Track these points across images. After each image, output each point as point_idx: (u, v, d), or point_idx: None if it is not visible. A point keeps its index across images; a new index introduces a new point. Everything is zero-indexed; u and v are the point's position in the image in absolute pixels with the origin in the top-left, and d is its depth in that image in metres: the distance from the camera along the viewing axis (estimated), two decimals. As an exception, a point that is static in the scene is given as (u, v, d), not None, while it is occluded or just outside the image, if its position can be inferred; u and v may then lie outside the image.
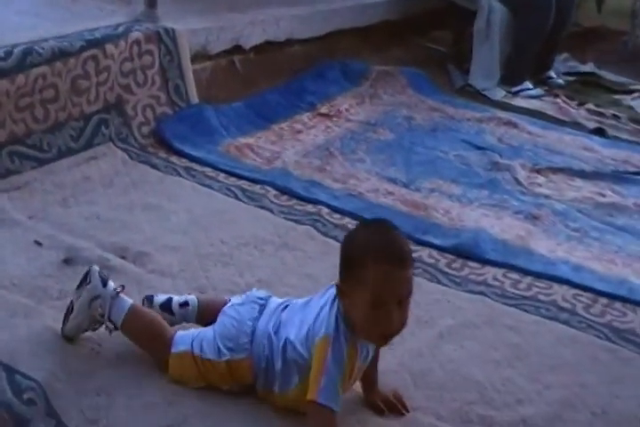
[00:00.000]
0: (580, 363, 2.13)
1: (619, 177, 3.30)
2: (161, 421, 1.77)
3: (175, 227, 2.56)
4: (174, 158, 3.02)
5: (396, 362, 2.02)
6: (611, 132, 3.81)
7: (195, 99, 3.33)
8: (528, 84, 4.21)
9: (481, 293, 2.39)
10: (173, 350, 1.86)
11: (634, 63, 4.68)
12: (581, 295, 2.43)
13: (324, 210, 2.76)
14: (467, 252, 2.59)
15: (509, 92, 4.16)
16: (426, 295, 2.34)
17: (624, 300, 2.41)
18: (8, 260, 2.27)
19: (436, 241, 2.64)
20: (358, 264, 1.64)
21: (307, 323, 1.73)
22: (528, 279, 2.49)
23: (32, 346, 1.90)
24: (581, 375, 2.08)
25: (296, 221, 2.67)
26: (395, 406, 1.88)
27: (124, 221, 2.55)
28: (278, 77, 3.79)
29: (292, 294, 2.01)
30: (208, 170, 2.96)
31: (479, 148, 3.45)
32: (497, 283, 2.46)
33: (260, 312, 1.85)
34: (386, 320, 1.64)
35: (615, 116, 3.98)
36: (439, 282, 2.43)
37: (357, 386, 1.89)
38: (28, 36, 2.92)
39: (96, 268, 1.97)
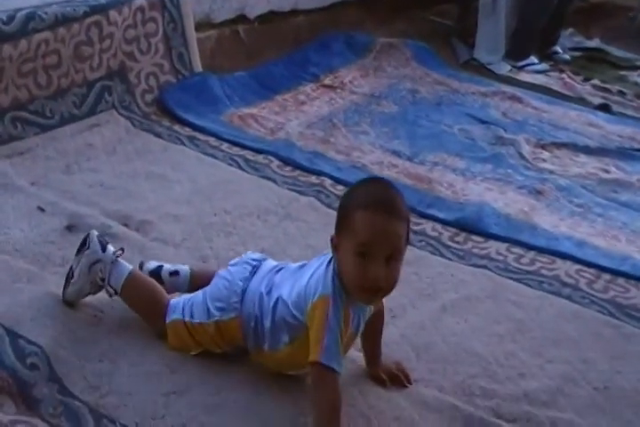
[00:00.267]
0: (583, 338, 2.13)
1: (623, 153, 3.29)
2: (163, 388, 1.77)
3: (178, 196, 2.55)
4: (178, 127, 3.00)
5: (398, 334, 2.02)
6: (616, 108, 3.78)
7: (198, 67, 3.31)
8: (533, 59, 4.18)
9: (484, 266, 2.39)
10: (167, 319, 1.86)
11: (640, 39, 4.65)
12: (585, 271, 2.42)
13: (328, 181, 2.75)
14: (470, 226, 2.58)
15: (514, 67, 4.13)
16: (429, 268, 2.34)
17: (627, 276, 2.41)
18: (11, 225, 2.26)
19: (440, 215, 2.63)
20: (348, 212, 1.63)
21: (300, 283, 1.71)
22: (531, 254, 2.48)
23: (35, 312, 1.89)
24: (584, 350, 2.08)
25: (299, 192, 2.66)
26: (397, 378, 1.88)
27: (128, 189, 2.54)
28: (282, 48, 3.76)
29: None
30: (212, 139, 2.94)
31: (483, 122, 3.43)
32: (500, 257, 2.45)
33: (253, 273, 1.84)
34: (371, 272, 1.60)
35: (621, 93, 3.95)
36: (442, 255, 2.43)
37: (360, 358, 1.90)
38: (31, 1, 2.87)
39: (95, 232, 1.96)
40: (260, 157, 2.86)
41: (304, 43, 3.87)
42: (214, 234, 2.37)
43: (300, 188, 2.70)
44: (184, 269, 2.02)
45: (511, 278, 2.34)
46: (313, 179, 2.77)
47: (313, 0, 4.00)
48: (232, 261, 1.91)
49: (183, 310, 1.85)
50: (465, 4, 4.50)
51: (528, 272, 2.39)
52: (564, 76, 4.10)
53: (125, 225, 2.34)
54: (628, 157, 3.25)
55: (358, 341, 1.84)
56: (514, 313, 2.19)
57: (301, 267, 1.80)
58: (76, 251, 1.95)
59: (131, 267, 1.93)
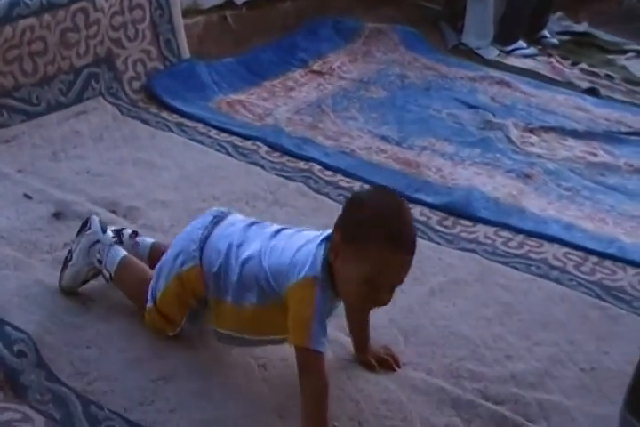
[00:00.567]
0: (570, 320, 2.14)
1: (611, 137, 3.28)
2: (151, 374, 1.78)
3: (166, 182, 2.54)
4: (165, 114, 2.99)
5: (386, 318, 2.03)
6: (604, 92, 3.78)
7: (186, 54, 3.29)
8: (522, 44, 4.17)
9: (472, 250, 2.39)
10: (147, 305, 1.86)
11: (628, 23, 4.63)
12: (572, 254, 2.43)
13: (316, 167, 2.75)
14: (458, 210, 2.59)
15: (503, 51, 4.12)
16: (417, 253, 2.29)
17: (614, 258, 2.41)
18: (-3, 213, 2.25)
19: (428, 199, 2.63)
20: (366, 237, 1.57)
21: (285, 254, 1.67)
22: (519, 238, 2.49)
23: (22, 299, 1.90)
24: (571, 332, 2.10)
25: (288, 178, 2.66)
26: (386, 362, 1.88)
27: (115, 176, 2.53)
28: (270, 34, 3.75)
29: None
30: (199, 126, 2.93)
31: (472, 106, 3.42)
32: (488, 241, 2.46)
33: (215, 222, 1.82)
34: (374, 300, 1.64)
35: (609, 76, 3.95)
36: (430, 239, 2.43)
37: (349, 343, 1.90)
38: (15, -14, 2.86)
39: (95, 216, 1.99)
40: (248, 143, 2.85)
41: (292, 29, 3.85)
42: (202, 220, 2.36)
43: (289, 173, 2.70)
44: (146, 239, 2.03)
45: (499, 262, 2.35)
46: (301, 164, 2.76)
47: (300, -15, 3.98)
48: None
49: (151, 291, 1.84)
50: (453, -12, 4.48)
51: (516, 255, 2.40)
52: (552, 60, 4.09)
53: (113, 212, 2.34)
54: (615, 141, 3.25)
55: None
56: (502, 296, 2.20)
57: (285, 233, 1.75)
58: (76, 233, 1.98)
59: (125, 253, 1.94)
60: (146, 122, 2.90)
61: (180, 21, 3.27)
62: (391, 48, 3.95)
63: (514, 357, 1.98)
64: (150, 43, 3.17)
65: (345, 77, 3.57)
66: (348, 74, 3.61)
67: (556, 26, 4.51)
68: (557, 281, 2.29)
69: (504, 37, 4.16)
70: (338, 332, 1.90)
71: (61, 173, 2.50)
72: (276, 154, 2.81)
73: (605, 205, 2.75)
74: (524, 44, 4.17)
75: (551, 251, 2.43)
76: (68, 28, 2.87)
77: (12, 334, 1.78)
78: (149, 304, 1.85)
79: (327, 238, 1.66)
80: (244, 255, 1.73)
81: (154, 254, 1.97)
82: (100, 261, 1.92)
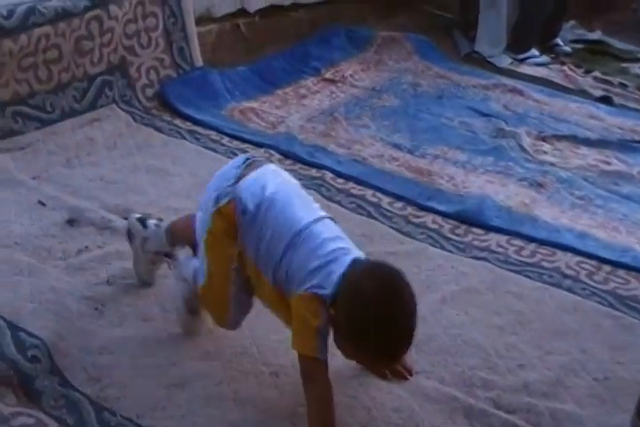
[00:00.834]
0: (583, 329, 2.13)
1: (624, 145, 3.27)
2: (164, 380, 1.79)
3: (179, 190, 2.55)
4: (178, 121, 3.00)
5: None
6: (617, 100, 3.76)
7: (199, 62, 3.31)
8: (535, 52, 4.16)
9: (484, 259, 2.39)
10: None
11: (642, 32, 4.63)
12: (585, 263, 2.42)
13: (328, 175, 2.75)
14: (471, 218, 2.58)
15: (516, 60, 4.11)
16: (429, 261, 2.35)
17: (628, 267, 2.40)
18: (12, 219, 2.27)
19: (440, 207, 2.63)
20: (359, 346, 1.60)
21: (314, 260, 1.62)
22: (532, 246, 2.48)
23: (36, 305, 1.91)
24: (584, 342, 2.08)
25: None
26: (399, 371, 1.88)
27: (128, 183, 2.55)
28: (283, 42, 3.76)
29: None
30: (212, 133, 2.95)
31: (484, 115, 3.42)
32: (501, 249, 2.45)
33: (246, 164, 1.77)
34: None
35: (622, 85, 3.93)
36: (443, 248, 2.43)
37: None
38: (31, -5, 2.88)
39: (133, 217, 2.01)
40: (260, 151, 2.86)
41: (305, 37, 3.86)
42: (215, 227, 2.37)
43: (301, 181, 2.67)
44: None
45: (511, 270, 2.34)
46: (313, 172, 2.77)
47: (313, -6, 3.99)
48: None
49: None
50: (466, -3, 4.48)
51: (528, 264, 2.39)
52: (565, 68, 4.08)
53: (126, 219, 2.33)
54: (629, 149, 3.24)
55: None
56: (514, 305, 2.19)
57: (321, 230, 1.68)
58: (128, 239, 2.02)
59: (164, 227, 1.96)
60: (159, 129, 2.92)
61: (193, 29, 3.29)
62: (404, 56, 3.95)
63: (526, 366, 1.98)
64: (163, 51, 3.19)
65: (357, 85, 3.57)
66: (361, 82, 3.62)
67: (569, 34, 4.51)
68: (570, 290, 2.28)
69: (517, 46, 4.16)
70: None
71: (75, 180, 2.51)
72: (289, 162, 2.81)
73: (619, 213, 2.74)
74: (537, 53, 4.17)
75: (564, 260, 2.42)
76: (83, 36, 2.90)
77: (26, 340, 1.79)
78: (200, 283, 1.78)
79: (355, 261, 1.63)
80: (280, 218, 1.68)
81: (174, 230, 1.97)
82: (156, 253, 1.97)
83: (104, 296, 2.01)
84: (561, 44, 4.34)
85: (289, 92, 3.43)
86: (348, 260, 1.63)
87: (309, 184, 2.67)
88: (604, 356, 2.04)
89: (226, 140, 2.91)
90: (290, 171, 2.70)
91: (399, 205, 2.64)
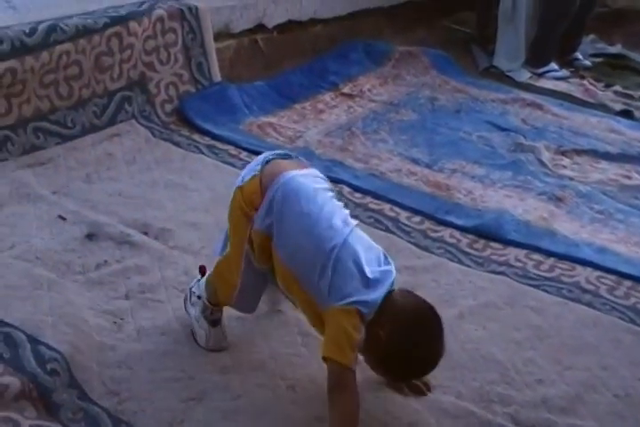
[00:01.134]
0: (603, 345, 2.11)
1: (645, 159, 3.26)
2: (182, 394, 1.79)
3: (197, 204, 2.56)
4: (197, 136, 3.02)
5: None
6: (638, 114, 3.75)
7: (217, 77, 3.33)
8: (554, 66, 4.16)
9: (503, 273, 2.38)
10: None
11: (663, 45, 4.61)
12: (605, 277, 2.40)
13: (346, 189, 2.76)
14: (489, 233, 2.58)
15: (535, 74, 4.11)
16: (447, 275, 2.34)
17: (649, 282, 2.39)
18: (32, 234, 2.29)
19: (459, 222, 2.63)
20: (399, 359, 1.69)
21: (355, 275, 1.68)
22: (551, 261, 2.47)
23: (55, 318, 1.92)
24: (604, 357, 2.07)
25: (318, 200, 2.66)
26: (417, 387, 1.87)
27: (147, 197, 2.56)
28: (301, 57, 3.78)
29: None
30: (230, 148, 2.96)
31: (503, 129, 3.42)
32: (519, 264, 2.44)
33: (282, 155, 1.86)
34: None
35: (643, 99, 3.92)
36: (461, 262, 2.42)
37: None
38: (52, 12, 2.92)
39: (191, 285, 1.99)
40: (278, 166, 2.87)
41: (323, 52, 3.88)
42: (233, 242, 2.37)
43: (319, 195, 2.70)
44: None
45: (530, 285, 2.33)
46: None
47: (331, 9, 4.01)
48: None
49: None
50: (484, 11, 4.49)
51: (547, 279, 2.38)
52: (584, 82, 4.07)
53: (145, 233, 2.36)
54: (649, 164, 3.23)
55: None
56: (533, 320, 2.18)
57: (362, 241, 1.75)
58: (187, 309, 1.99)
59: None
60: (177, 144, 2.94)
61: (211, 45, 3.31)
62: (421, 71, 3.96)
63: (545, 381, 1.96)
64: (182, 66, 3.22)
65: (375, 100, 3.58)
66: (379, 96, 3.63)
67: (589, 48, 4.50)
68: (590, 305, 2.27)
69: (536, 60, 4.16)
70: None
71: (95, 195, 2.53)
72: (307, 176, 2.81)
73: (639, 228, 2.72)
74: (557, 67, 4.17)
75: (583, 274, 2.41)
76: (103, 53, 2.93)
77: (45, 354, 1.80)
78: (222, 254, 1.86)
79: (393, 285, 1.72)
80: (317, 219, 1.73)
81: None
82: (199, 297, 1.94)
83: (122, 310, 2.02)
84: (580, 57, 4.34)
85: (307, 106, 3.44)
86: (388, 282, 1.70)
87: (327, 198, 2.68)
88: (625, 372, 2.02)
89: (244, 154, 2.92)
90: (307, 185, 2.75)
91: (417, 219, 2.64)
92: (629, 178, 3.10)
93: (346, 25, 4.08)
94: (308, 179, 1.80)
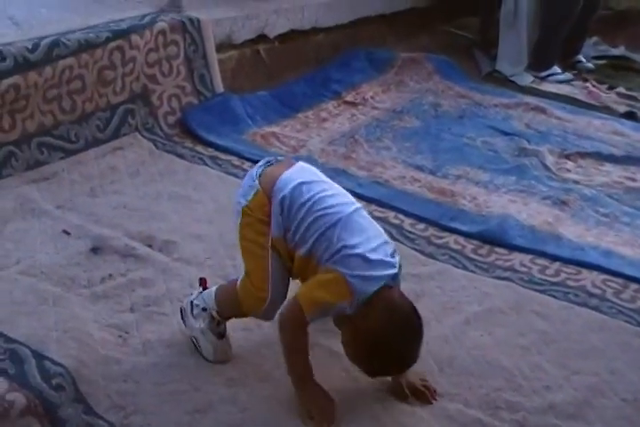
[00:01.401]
0: (610, 349, 2.11)
1: (650, 161, 3.25)
2: (188, 406, 1.79)
3: (201, 216, 2.57)
4: (200, 148, 3.03)
5: (422, 348, 2.01)
6: (642, 116, 3.75)
7: (220, 88, 3.34)
8: (557, 69, 4.15)
9: (508, 279, 2.37)
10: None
11: (666, 46, 4.59)
12: (611, 281, 2.39)
13: (350, 197, 2.75)
14: (494, 238, 2.57)
15: (538, 78, 4.11)
16: (452, 282, 2.34)
17: (655, 285, 2.38)
18: (37, 249, 2.30)
19: (463, 227, 2.62)
20: (377, 350, 1.72)
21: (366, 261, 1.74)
22: (556, 265, 2.46)
23: (60, 333, 1.93)
24: (611, 361, 2.06)
25: (322, 209, 2.66)
26: (422, 394, 1.87)
27: (151, 210, 2.57)
28: (303, 66, 3.78)
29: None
30: (234, 159, 2.97)
31: (507, 134, 3.42)
32: (524, 269, 2.44)
33: (270, 164, 1.93)
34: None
35: (647, 100, 3.91)
36: (465, 268, 2.42)
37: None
38: (54, 28, 2.94)
39: (191, 298, 1.99)
40: (282, 175, 2.87)
41: (325, 60, 3.89)
42: (237, 253, 2.33)
43: (323, 204, 2.70)
44: None
45: (536, 290, 2.33)
46: (335, 195, 2.77)
47: (333, 17, 4.02)
48: None
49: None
50: (486, 16, 4.49)
51: (553, 283, 2.37)
52: (588, 85, 4.07)
53: (149, 246, 2.37)
54: (654, 165, 3.22)
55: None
56: (539, 325, 2.18)
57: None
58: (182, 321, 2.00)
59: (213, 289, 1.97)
60: (181, 156, 2.95)
61: (213, 56, 3.33)
62: (424, 77, 3.96)
63: (552, 387, 1.95)
64: (185, 78, 3.23)
65: (378, 107, 3.59)
66: (381, 104, 3.63)
67: (592, 50, 4.49)
68: (596, 309, 2.26)
69: (539, 63, 4.15)
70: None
71: (99, 209, 2.54)
72: (310, 185, 2.82)
73: (646, 230, 2.72)
74: (559, 70, 4.16)
75: (589, 278, 2.40)
76: (105, 66, 2.94)
77: (50, 368, 1.80)
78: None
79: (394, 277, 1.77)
80: (322, 203, 1.81)
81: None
82: (204, 309, 1.94)
83: (128, 324, 2.02)
84: (583, 60, 4.33)
85: (310, 115, 3.45)
86: (386, 274, 1.75)
87: (331, 207, 2.68)
88: (633, 376, 2.01)
89: (247, 165, 2.92)
90: (311, 194, 2.76)
91: (421, 226, 2.64)
92: (634, 180, 3.09)
93: (348, 33, 4.09)
94: (303, 173, 1.90)
